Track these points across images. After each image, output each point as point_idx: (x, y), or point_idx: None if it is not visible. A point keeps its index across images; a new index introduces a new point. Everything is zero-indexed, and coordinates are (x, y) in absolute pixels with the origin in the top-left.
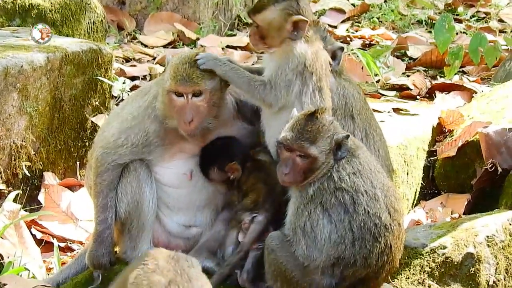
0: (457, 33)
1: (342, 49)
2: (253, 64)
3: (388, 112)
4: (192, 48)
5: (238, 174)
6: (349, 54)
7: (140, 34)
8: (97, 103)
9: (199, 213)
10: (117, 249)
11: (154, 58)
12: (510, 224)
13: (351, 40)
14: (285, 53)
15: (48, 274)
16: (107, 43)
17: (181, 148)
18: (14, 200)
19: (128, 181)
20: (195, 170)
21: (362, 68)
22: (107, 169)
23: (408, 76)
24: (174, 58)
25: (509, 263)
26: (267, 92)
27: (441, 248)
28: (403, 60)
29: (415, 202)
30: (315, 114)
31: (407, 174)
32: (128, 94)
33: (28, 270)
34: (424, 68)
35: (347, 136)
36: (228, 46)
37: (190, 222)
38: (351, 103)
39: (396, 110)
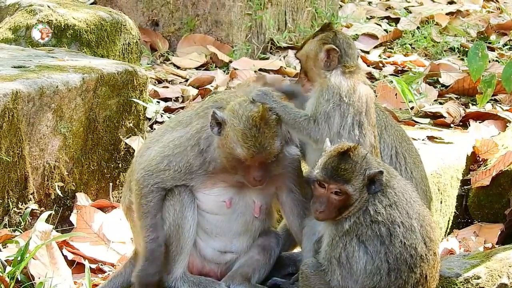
0: (489, 61)
1: None
2: None
3: (423, 140)
4: (224, 71)
5: None
6: (383, 81)
7: (173, 55)
8: (131, 124)
9: (236, 240)
10: None
11: (187, 80)
12: None
13: (383, 66)
14: (320, 85)
15: None
16: (140, 64)
17: (224, 178)
18: (46, 221)
19: (171, 203)
20: (234, 198)
21: (396, 95)
22: (151, 191)
23: (440, 103)
24: (235, 119)
25: None
26: (311, 127)
27: (475, 278)
28: (435, 87)
29: (448, 230)
30: (348, 153)
31: (441, 203)
32: (162, 116)
33: None
34: (456, 96)
35: (381, 172)
36: (260, 70)
37: (226, 248)
38: None
39: (431, 138)
